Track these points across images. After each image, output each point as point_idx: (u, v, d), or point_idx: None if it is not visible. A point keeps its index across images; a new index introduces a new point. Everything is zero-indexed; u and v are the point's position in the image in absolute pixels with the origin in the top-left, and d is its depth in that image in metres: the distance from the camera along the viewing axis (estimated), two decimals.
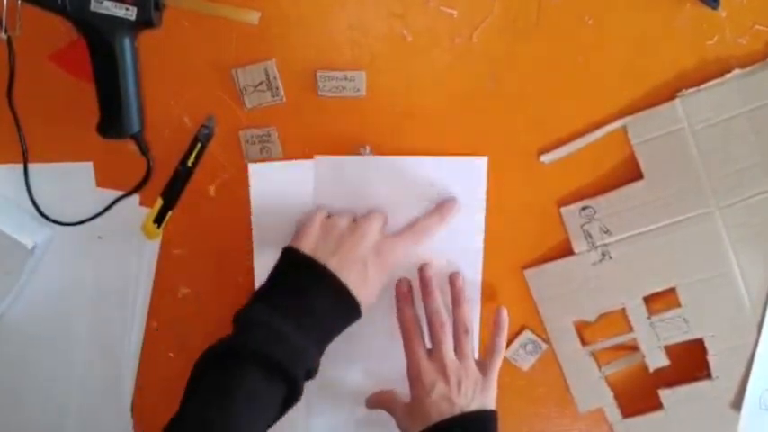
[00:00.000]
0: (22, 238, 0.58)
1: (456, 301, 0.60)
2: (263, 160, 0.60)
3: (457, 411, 0.55)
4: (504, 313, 0.61)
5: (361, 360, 0.64)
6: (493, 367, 0.59)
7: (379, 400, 0.63)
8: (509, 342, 0.65)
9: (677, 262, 0.61)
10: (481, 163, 0.60)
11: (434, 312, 0.59)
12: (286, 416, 0.64)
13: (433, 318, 0.59)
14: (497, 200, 0.61)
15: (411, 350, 0.59)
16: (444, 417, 0.55)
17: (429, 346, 0.59)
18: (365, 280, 0.55)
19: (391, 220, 0.61)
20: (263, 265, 0.61)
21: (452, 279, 0.61)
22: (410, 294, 0.61)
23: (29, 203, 0.60)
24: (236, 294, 0.63)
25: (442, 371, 0.57)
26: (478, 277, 0.63)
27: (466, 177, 0.61)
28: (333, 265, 0.54)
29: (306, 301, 0.53)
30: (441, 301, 0.60)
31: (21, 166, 0.59)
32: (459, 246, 0.62)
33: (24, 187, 0.59)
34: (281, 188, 0.60)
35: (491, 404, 0.58)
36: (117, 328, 0.63)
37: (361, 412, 0.65)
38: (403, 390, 0.61)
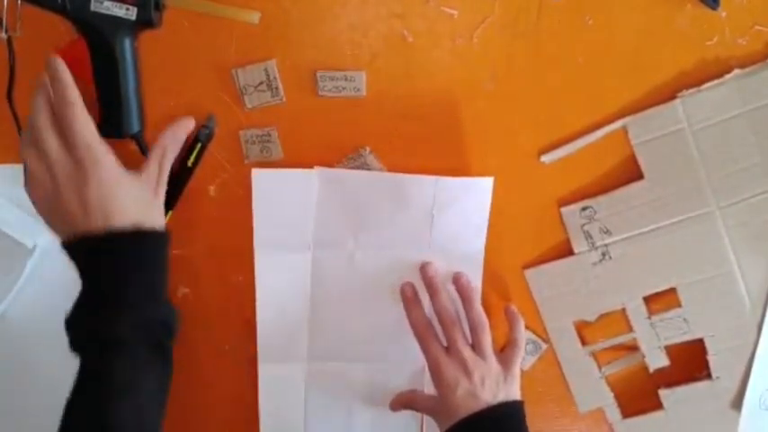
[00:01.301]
0: (22, 239, 0.58)
1: (465, 298, 0.60)
2: (264, 160, 0.60)
3: (483, 405, 0.55)
4: (514, 308, 0.62)
5: (362, 361, 0.64)
6: (514, 359, 0.59)
7: (402, 402, 0.63)
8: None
9: (677, 262, 0.61)
10: (487, 184, 0.60)
11: (443, 310, 0.59)
12: (283, 418, 0.64)
13: (443, 316, 0.59)
14: (497, 200, 0.61)
15: (428, 351, 0.59)
16: (472, 412, 0.55)
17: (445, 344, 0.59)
18: (83, 201, 0.49)
19: (393, 237, 0.61)
20: (263, 271, 0.61)
21: (456, 278, 0.61)
22: (416, 298, 0.61)
23: (29, 203, 0.59)
24: (236, 294, 0.63)
25: (464, 368, 0.56)
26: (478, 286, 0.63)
27: (471, 198, 0.61)
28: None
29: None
30: (448, 298, 0.60)
31: (21, 166, 0.59)
32: (459, 261, 0.62)
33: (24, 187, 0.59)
34: (284, 195, 0.60)
35: (516, 395, 0.58)
36: None
37: (359, 414, 0.66)
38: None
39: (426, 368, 0.62)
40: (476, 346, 0.58)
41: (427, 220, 0.61)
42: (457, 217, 0.61)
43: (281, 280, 0.62)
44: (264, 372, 0.63)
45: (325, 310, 0.63)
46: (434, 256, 0.61)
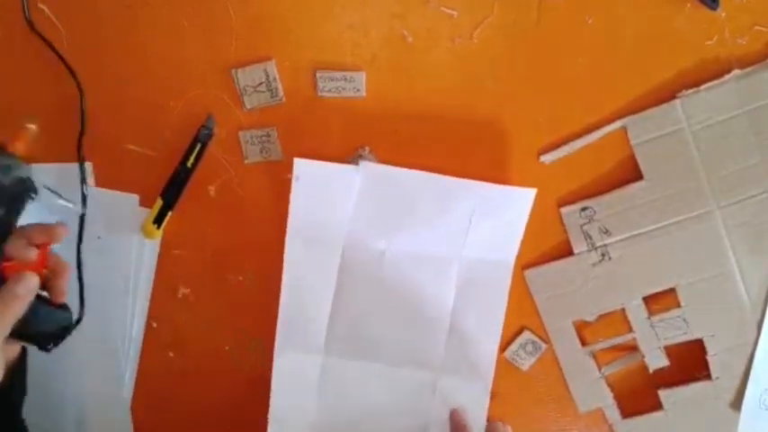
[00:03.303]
0: None
1: None
2: (264, 161, 0.60)
3: None
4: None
5: (378, 361, 0.64)
6: None
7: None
8: (509, 342, 0.65)
9: (677, 262, 0.61)
10: (529, 195, 0.60)
11: None
12: (292, 410, 0.63)
13: None
14: None
15: None
16: None
17: None
18: None
19: (427, 238, 0.61)
20: (292, 259, 0.60)
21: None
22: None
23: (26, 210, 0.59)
24: (236, 294, 0.63)
25: None
26: (504, 300, 0.63)
27: (511, 207, 0.60)
28: None
29: None
30: None
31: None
32: (488, 271, 0.62)
33: None
34: (323, 189, 0.59)
35: None
36: (117, 328, 0.63)
37: (369, 415, 0.65)
38: None
39: (440, 379, 0.63)
40: None
41: (465, 225, 0.60)
42: (494, 225, 0.60)
43: (308, 269, 0.61)
44: (280, 360, 0.62)
45: (348, 306, 0.62)
46: (465, 263, 0.61)
